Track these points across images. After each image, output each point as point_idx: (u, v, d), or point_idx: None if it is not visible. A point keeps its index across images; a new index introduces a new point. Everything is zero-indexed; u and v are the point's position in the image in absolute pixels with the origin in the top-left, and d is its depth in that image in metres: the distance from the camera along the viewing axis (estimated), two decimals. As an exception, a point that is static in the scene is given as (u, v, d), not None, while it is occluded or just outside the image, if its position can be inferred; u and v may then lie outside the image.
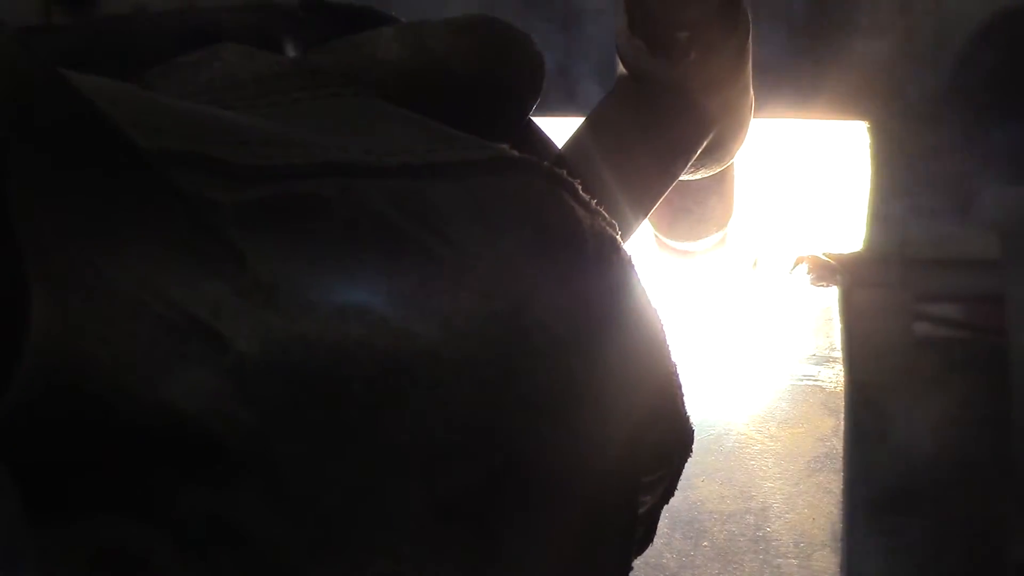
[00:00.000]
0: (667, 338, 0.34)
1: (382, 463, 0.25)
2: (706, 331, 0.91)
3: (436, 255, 0.26)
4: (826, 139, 0.91)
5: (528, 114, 0.37)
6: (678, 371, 0.35)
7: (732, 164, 0.59)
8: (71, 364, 0.22)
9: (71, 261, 0.22)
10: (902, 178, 0.92)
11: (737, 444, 0.86)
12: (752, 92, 0.53)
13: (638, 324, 0.33)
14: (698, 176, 0.55)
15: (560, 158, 0.40)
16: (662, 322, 0.34)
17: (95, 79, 0.26)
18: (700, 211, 0.63)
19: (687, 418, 0.36)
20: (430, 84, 0.34)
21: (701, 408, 0.91)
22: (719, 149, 0.52)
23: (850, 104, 0.89)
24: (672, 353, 0.35)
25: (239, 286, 0.23)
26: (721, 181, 0.60)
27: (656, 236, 0.70)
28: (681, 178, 0.49)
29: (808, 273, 0.93)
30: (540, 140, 0.40)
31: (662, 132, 0.46)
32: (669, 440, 0.35)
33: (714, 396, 0.87)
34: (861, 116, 0.90)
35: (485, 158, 0.29)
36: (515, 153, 0.30)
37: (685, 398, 0.36)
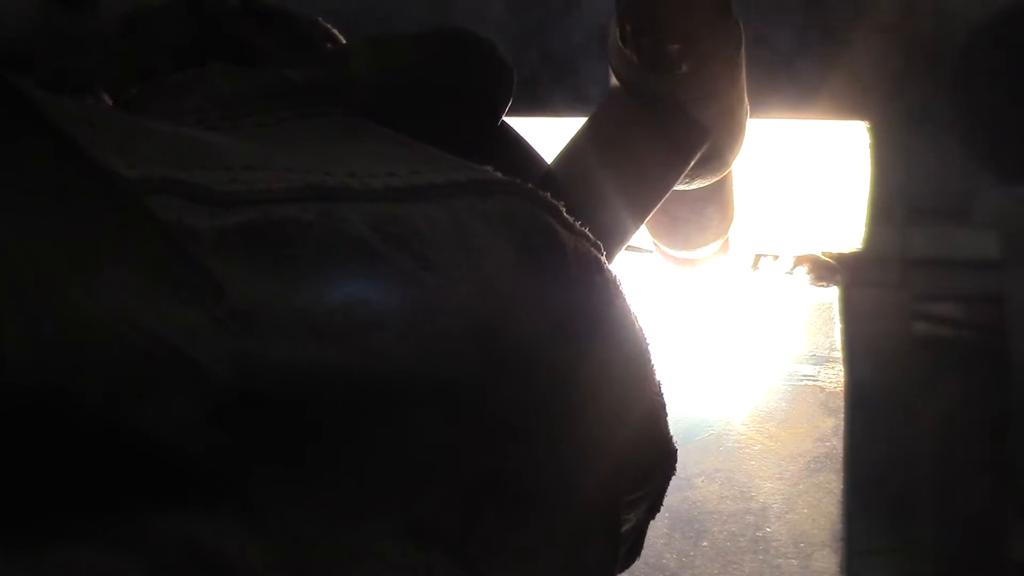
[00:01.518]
0: (651, 358, 0.34)
1: (359, 488, 0.25)
2: (706, 331, 0.91)
3: (416, 279, 0.26)
4: (826, 139, 0.91)
5: (501, 116, 0.37)
6: (662, 391, 0.35)
7: (730, 173, 0.58)
8: (45, 394, 0.21)
9: (46, 291, 0.22)
10: (902, 178, 0.92)
11: (737, 444, 0.86)
12: (747, 102, 0.53)
13: (621, 345, 0.32)
14: (695, 186, 0.55)
15: (549, 173, 0.40)
16: (646, 342, 0.34)
17: (77, 104, 0.25)
18: (699, 220, 0.63)
19: (670, 438, 0.36)
20: (404, 95, 0.34)
21: (701, 408, 0.91)
22: (715, 159, 0.52)
23: (850, 104, 0.89)
24: (656, 373, 0.34)
25: (216, 313, 0.23)
26: (719, 190, 0.60)
27: (656, 245, 0.70)
28: (678, 188, 0.49)
29: (808, 273, 0.93)
30: (525, 153, 0.40)
31: (655, 143, 0.46)
32: (652, 459, 0.35)
33: (714, 396, 0.87)
34: (861, 116, 0.89)
35: (470, 180, 0.29)
36: (499, 175, 0.30)
37: (668, 417, 0.36)
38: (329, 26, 0.38)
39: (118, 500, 0.22)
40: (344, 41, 0.39)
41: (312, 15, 0.38)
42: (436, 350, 0.26)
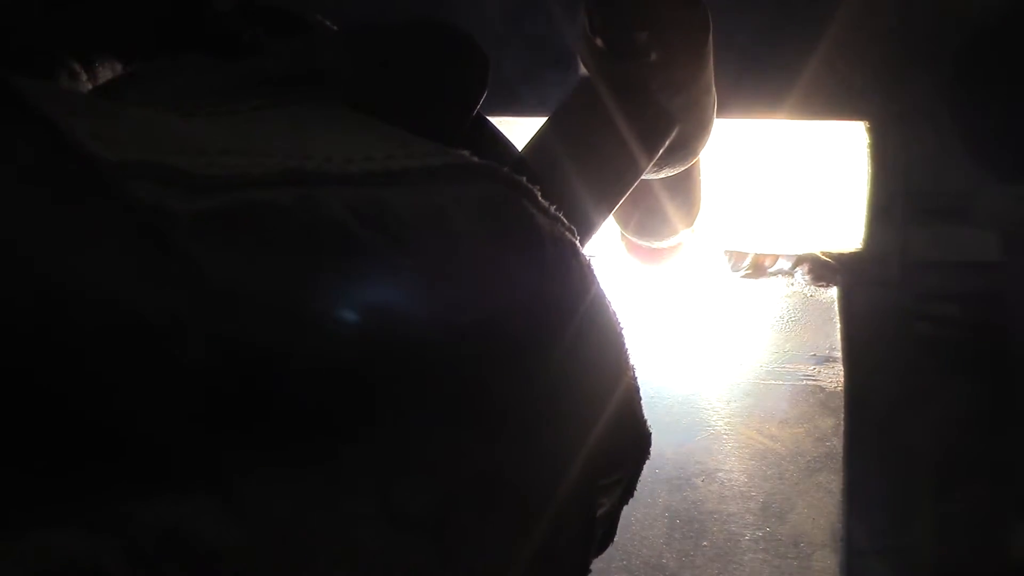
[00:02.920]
0: (626, 341, 0.34)
1: (337, 476, 0.25)
2: (707, 331, 0.91)
3: (395, 264, 0.26)
4: (826, 139, 0.91)
5: (475, 109, 0.37)
6: (635, 375, 0.35)
7: (697, 162, 0.59)
8: (19, 378, 0.21)
9: (23, 270, 0.22)
10: (902, 178, 0.92)
11: (737, 444, 0.86)
12: (715, 92, 0.53)
13: (597, 329, 0.33)
14: (662, 175, 0.55)
15: (521, 161, 0.41)
16: (621, 326, 0.34)
17: (54, 88, 0.25)
18: (666, 210, 0.63)
19: (644, 422, 0.36)
20: (379, 85, 0.34)
21: (701, 408, 0.91)
22: (682, 148, 0.52)
23: (850, 104, 0.89)
24: (630, 357, 0.35)
25: (196, 296, 0.23)
26: (687, 180, 0.60)
27: (623, 235, 0.70)
28: (646, 178, 0.49)
29: (808, 273, 0.93)
30: (500, 143, 0.40)
31: (625, 132, 0.46)
32: (627, 444, 0.35)
33: (714, 396, 0.87)
34: (861, 116, 0.89)
35: (445, 165, 0.29)
36: (475, 160, 0.30)
37: (641, 402, 0.36)
38: (329, 23, 0.39)
39: (94, 486, 0.22)
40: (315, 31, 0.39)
41: (314, 14, 0.38)
42: (415, 335, 0.26)
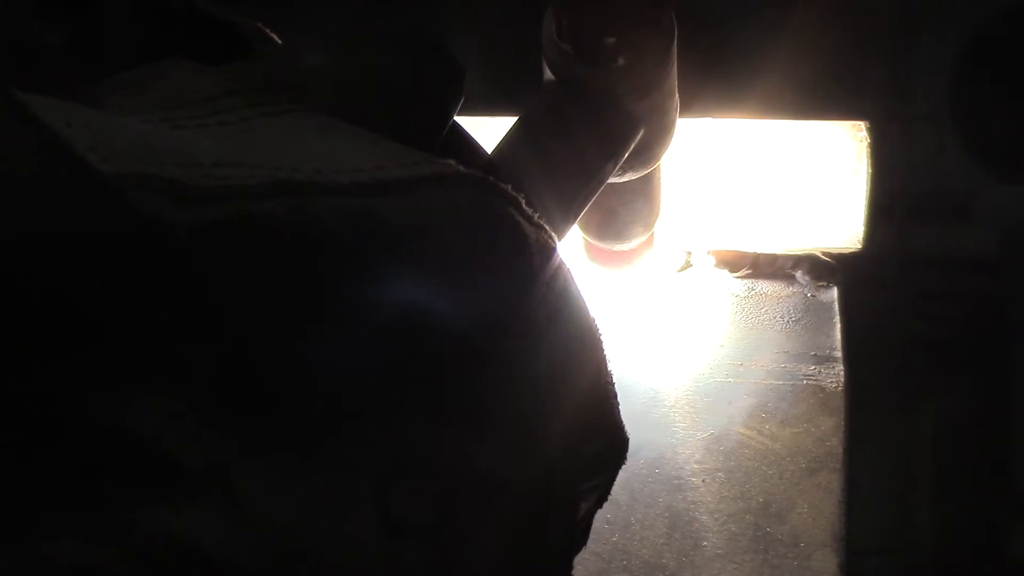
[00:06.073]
0: (604, 346, 0.35)
1: (337, 483, 0.26)
2: (705, 330, 0.92)
3: (386, 273, 0.27)
4: (826, 139, 0.91)
5: (451, 118, 0.38)
6: (612, 380, 0.36)
7: (658, 166, 0.59)
8: (33, 389, 0.22)
9: (24, 282, 0.22)
10: (902, 178, 0.92)
11: (737, 444, 0.86)
12: (677, 96, 0.54)
13: (576, 334, 0.33)
14: (625, 179, 0.55)
15: (491, 164, 0.41)
16: (599, 331, 0.35)
17: (51, 101, 0.26)
18: (627, 213, 0.64)
19: (622, 427, 0.37)
20: (360, 93, 0.34)
21: (701, 408, 0.91)
22: (645, 152, 0.53)
23: (850, 104, 0.89)
24: (608, 362, 0.35)
25: (195, 309, 0.24)
26: (648, 183, 0.61)
27: (584, 239, 0.71)
28: (610, 181, 0.50)
29: (808, 273, 0.93)
30: (469, 145, 0.41)
31: (589, 136, 0.46)
32: (605, 449, 0.36)
33: (713, 396, 0.87)
34: (861, 116, 0.90)
35: (433, 174, 0.29)
36: (462, 169, 0.30)
37: (619, 407, 0.36)
38: (267, 30, 0.39)
39: (100, 495, 0.22)
40: (280, 43, 0.39)
41: (252, 19, 0.39)
42: (410, 343, 0.27)
